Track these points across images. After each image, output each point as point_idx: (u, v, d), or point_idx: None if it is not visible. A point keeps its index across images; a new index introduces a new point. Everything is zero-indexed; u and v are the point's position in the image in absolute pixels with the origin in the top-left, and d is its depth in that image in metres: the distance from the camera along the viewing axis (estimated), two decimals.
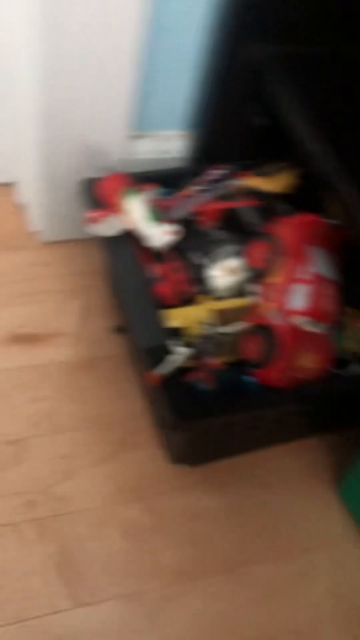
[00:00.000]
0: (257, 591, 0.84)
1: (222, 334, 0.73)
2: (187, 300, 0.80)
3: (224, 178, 0.86)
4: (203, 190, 0.84)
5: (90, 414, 0.95)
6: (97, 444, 0.92)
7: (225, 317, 0.77)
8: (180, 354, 0.70)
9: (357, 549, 0.90)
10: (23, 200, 1.12)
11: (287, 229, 0.76)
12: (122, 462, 0.91)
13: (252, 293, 0.78)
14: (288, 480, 0.95)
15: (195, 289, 0.80)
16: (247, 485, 0.93)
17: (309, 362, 0.75)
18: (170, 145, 1.04)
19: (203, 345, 0.71)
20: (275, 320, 0.74)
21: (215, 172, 0.87)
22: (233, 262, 0.80)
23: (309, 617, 0.84)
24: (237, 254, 0.81)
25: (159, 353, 0.71)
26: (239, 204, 0.83)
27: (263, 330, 0.75)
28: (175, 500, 0.90)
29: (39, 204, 1.04)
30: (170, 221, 0.80)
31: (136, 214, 0.78)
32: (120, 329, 1.03)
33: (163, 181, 0.91)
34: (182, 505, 0.89)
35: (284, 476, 0.95)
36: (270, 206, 0.83)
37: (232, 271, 0.80)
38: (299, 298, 0.74)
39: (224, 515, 0.90)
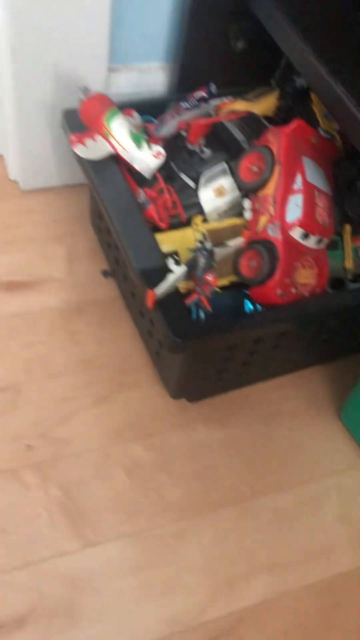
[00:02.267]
0: (266, 521, 0.82)
1: (216, 249, 0.71)
2: (177, 224, 0.77)
3: (209, 97, 0.83)
4: (188, 108, 0.81)
5: (84, 358, 0.92)
6: (93, 386, 0.90)
7: (218, 237, 0.74)
8: (175, 272, 0.68)
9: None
10: (0, 149, 1.08)
11: (278, 137, 0.73)
12: (120, 402, 0.89)
13: (245, 209, 0.75)
14: (290, 411, 0.93)
15: (184, 212, 0.77)
16: (248, 418, 0.91)
17: (306, 278, 0.73)
18: (151, 78, 1.00)
19: (197, 260, 0.68)
20: (271, 233, 0.72)
21: (200, 93, 0.83)
22: (222, 182, 0.77)
23: (322, 542, 0.82)
24: (226, 173, 0.78)
25: (154, 273, 0.68)
26: (225, 118, 0.80)
27: (259, 245, 0.72)
28: (176, 436, 0.87)
29: (17, 151, 1.00)
30: (156, 141, 0.76)
31: (121, 135, 0.75)
32: (109, 273, 1.00)
33: (146, 110, 0.87)
34: (183, 441, 0.87)
35: (285, 407, 0.94)
36: (256, 120, 0.80)
37: (222, 192, 0.77)
38: (293, 209, 0.72)
39: (227, 448, 0.88)
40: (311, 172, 0.75)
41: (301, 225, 0.72)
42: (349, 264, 0.81)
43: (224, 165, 0.78)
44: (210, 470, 0.85)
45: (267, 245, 0.72)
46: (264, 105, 0.89)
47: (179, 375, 0.82)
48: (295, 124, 0.75)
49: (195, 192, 0.78)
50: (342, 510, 0.85)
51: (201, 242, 0.71)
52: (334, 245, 0.81)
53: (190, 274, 0.69)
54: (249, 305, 0.75)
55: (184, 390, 0.87)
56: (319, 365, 0.98)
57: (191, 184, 0.78)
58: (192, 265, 0.68)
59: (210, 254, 0.68)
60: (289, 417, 0.93)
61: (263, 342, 0.80)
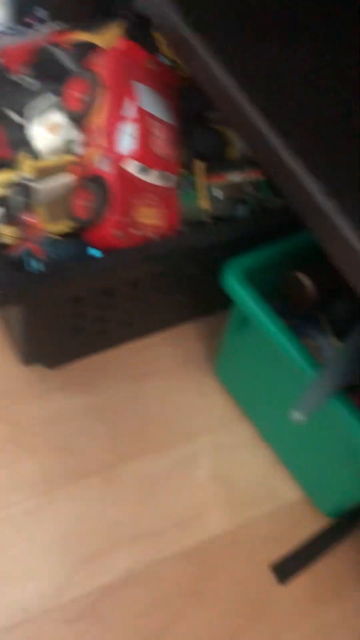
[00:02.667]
0: (135, 488, 0.76)
1: (36, 185, 0.62)
2: (3, 165, 0.68)
3: (37, 24, 0.74)
4: (8, 34, 0.72)
5: None
6: None
7: (46, 174, 0.65)
8: None
9: (237, 428, 0.83)
10: None
11: (106, 60, 0.65)
12: None
13: (75, 143, 0.67)
14: (162, 371, 0.87)
15: (11, 151, 0.68)
16: (115, 381, 0.84)
17: (150, 218, 0.66)
18: None
19: (11, 199, 0.59)
20: (102, 167, 0.64)
21: (27, 20, 0.74)
22: (54, 117, 0.69)
23: (194, 505, 0.76)
24: (59, 106, 0.69)
25: None
26: (50, 43, 0.71)
27: (89, 181, 0.64)
28: (32, 406, 0.79)
29: None
30: None
31: None
32: None
33: None
34: (40, 411, 0.79)
35: (157, 367, 0.87)
36: (91, 47, 0.71)
37: (54, 128, 0.68)
38: (126, 140, 0.64)
39: (90, 414, 0.80)
40: (147, 100, 0.67)
41: (136, 157, 0.65)
42: (203, 203, 0.74)
43: (56, 98, 0.70)
44: (71, 440, 0.78)
45: (98, 181, 0.64)
46: (107, 36, 0.80)
47: (25, 337, 0.74)
48: (123, 45, 0.67)
49: (24, 128, 0.69)
50: (216, 470, 0.80)
51: (21, 177, 0.62)
52: (187, 183, 0.74)
53: (9, 217, 0.60)
54: (91, 252, 0.68)
55: (37, 355, 0.79)
56: (194, 322, 0.92)
57: (18, 119, 0.69)
58: (7, 205, 0.60)
59: (26, 190, 0.59)
60: (160, 376, 0.86)
61: (113, 292, 0.72)
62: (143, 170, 0.66)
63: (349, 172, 0.51)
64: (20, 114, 0.69)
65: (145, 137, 0.65)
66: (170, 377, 0.86)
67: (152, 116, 0.67)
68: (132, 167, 0.65)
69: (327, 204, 0.48)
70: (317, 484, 0.77)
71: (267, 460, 0.81)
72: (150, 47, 0.77)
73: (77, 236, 0.67)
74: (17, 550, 0.68)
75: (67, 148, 0.70)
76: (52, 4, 0.80)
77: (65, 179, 0.64)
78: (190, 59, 0.57)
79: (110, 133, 0.64)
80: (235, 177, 0.77)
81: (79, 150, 0.67)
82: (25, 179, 0.61)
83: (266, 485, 0.80)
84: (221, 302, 0.73)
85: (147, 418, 0.82)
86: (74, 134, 0.69)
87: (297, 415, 0.56)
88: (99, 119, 0.64)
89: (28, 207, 0.60)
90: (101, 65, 0.65)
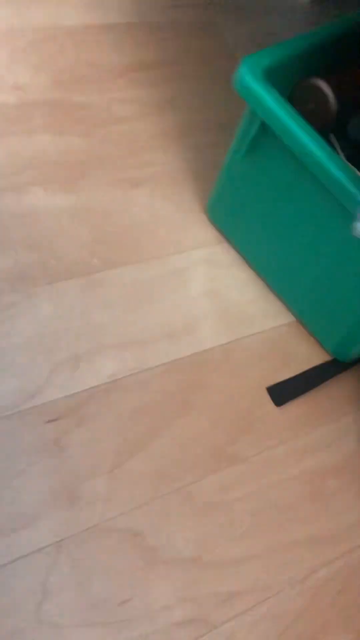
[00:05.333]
0: (123, 295, 0.69)
1: None
2: None
3: None
4: None
5: None
6: None
7: None
8: None
9: (231, 250, 0.76)
10: None
11: None
12: None
13: None
14: (152, 181, 0.78)
15: None
16: (98, 182, 0.74)
17: None
18: None
19: None
20: None
21: None
22: None
23: (186, 317, 0.70)
24: None
25: None
26: None
27: None
28: (6, 199, 0.70)
29: None
30: None
31: None
32: None
33: None
34: (16, 206, 0.70)
35: (146, 175, 0.78)
36: None
37: None
38: None
39: (72, 215, 0.71)
40: None
41: None
42: None
43: None
44: (49, 240, 0.69)
45: None
46: None
47: None
48: None
49: None
50: (209, 286, 0.73)
51: None
52: None
53: None
54: None
55: None
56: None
57: None
58: None
59: None
60: (151, 186, 0.77)
61: None
62: None
63: None
64: None
65: None
66: (160, 188, 0.77)
67: None
68: None
69: None
70: (320, 323, 0.72)
71: (263, 284, 0.75)
72: None
73: None
74: None
75: None
76: None
77: None
78: None
79: None
80: None
81: None
82: None
83: (260, 307, 0.74)
84: None
85: (135, 227, 0.74)
86: None
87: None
88: None
89: None
90: None
